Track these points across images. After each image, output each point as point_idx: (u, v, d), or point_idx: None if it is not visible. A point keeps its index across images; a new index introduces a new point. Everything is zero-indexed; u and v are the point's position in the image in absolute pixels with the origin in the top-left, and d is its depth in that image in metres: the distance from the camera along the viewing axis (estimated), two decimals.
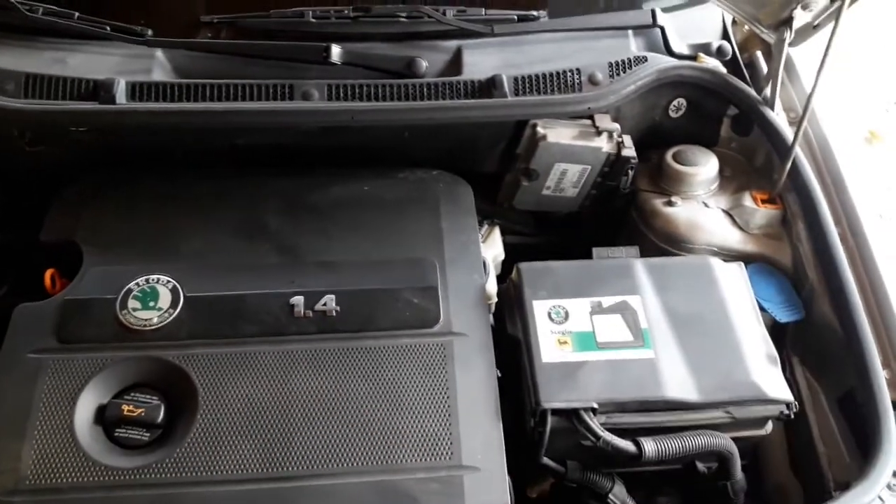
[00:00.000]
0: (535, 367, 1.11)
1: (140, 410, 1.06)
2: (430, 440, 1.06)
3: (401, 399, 1.09)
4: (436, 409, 1.08)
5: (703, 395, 1.11)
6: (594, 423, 1.08)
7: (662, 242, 1.41)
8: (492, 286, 1.31)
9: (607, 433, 1.08)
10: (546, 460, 1.13)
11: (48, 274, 1.22)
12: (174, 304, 1.15)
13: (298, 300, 1.15)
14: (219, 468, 1.02)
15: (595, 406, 1.08)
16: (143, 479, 1.01)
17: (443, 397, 1.09)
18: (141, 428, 1.06)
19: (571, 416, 1.08)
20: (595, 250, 1.27)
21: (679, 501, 1.30)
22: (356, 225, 1.27)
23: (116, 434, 1.06)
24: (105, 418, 1.06)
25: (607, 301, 1.18)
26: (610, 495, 1.16)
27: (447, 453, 1.05)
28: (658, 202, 1.44)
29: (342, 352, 1.12)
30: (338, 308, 1.15)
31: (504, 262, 1.45)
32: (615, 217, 1.52)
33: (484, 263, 1.28)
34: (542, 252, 1.44)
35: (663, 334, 1.16)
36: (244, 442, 1.04)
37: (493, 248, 1.45)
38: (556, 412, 1.08)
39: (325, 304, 1.15)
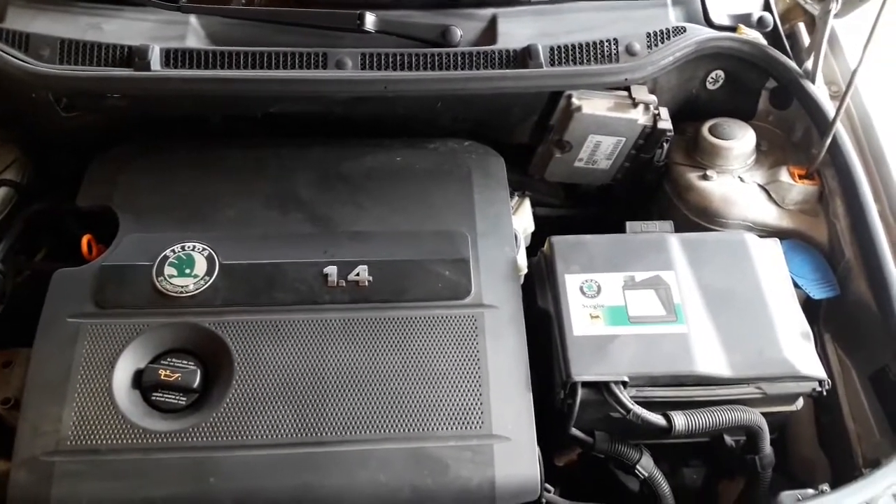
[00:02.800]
0: (567, 340, 1.11)
1: (177, 375, 1.08)
2: (461, 409, 1.07)
3: (432, 369, 1.10)
4: (467, 380, 1.09)
5: (735, 371, 1.10)
6: (625, 396, 1.08)
7: (696, 217, 1.39)
8: (522, 259, 1.30)
9: (637, 406, 1.08)
10: (575, 431, 1.14)
11: (85, 239, 1.24)
12: (210, 271, 1.16)
13: (332, 270, 1.16)
14: (254, 433, 1.04)
15: (626, 379, 1.08)
16: (179, 442, 1.03)
17: (474, 368, 1.10)
18: (177, 392, 1.08)
19: (602, 388, 1.09)
20: (629, 224, 1.26)
21: (705, 473, 1.30)
22: (388, 195, 1.27)
23: (153, 398, 1.08)
24: (142, 382, 1.08)
25: (640, 276, 1.17)
26: (637, 466, 1.17)
27: (478, 422, 1.06)
28: (693, 176, 1.42)
29: (374, 321, 1.13)
30: (370, 278, 1.16)
31: (533, 235, 1.44)
32: (648, 190, 1.51)
33: (515, 236, 1.28)
34: (573, 225, 1.44)
35: (696, 310, 1.15)
36: (279, 407, 1.06)
37: (523, 220, 1.45)
38: (586, 385, 1.09)
39: (357, 275, 1.16)
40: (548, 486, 1.13)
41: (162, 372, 1.08)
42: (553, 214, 1.57)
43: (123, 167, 1.31)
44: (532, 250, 1.33)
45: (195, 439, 1.04)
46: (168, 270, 1.16)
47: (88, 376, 1.07)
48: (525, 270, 1.29)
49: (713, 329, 1.13)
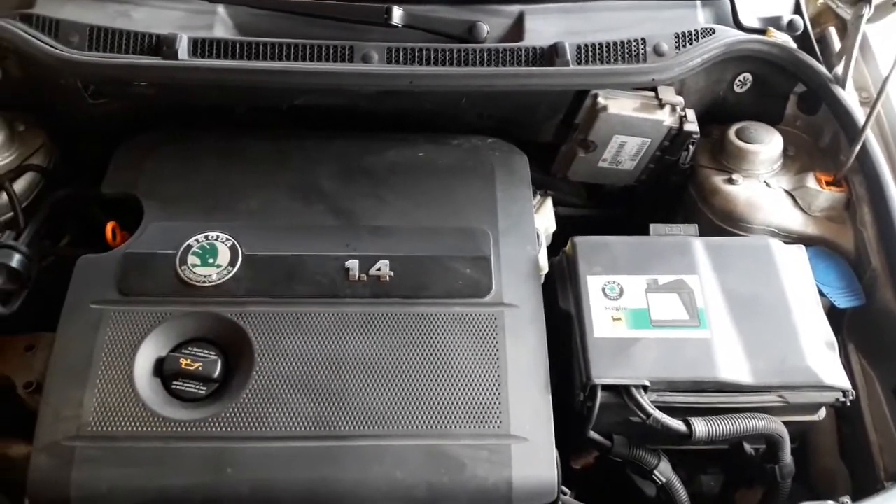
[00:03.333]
0: (588, 342, 1.10)
1: (197, 365, 1.09)
2: (479, 408, 1.07)
3: (451, 366, 1.09)
4: (486, 379, 1.09)
5: (758, 379, 1.09)
6: (645, 400, 1.07)
7: (720, 221, 1.38)
8: (543, 258, 1.30)
9: (658, 411, 1.07)
10: (593, 434, 1.14)
11: (109, 226, 1.24)
12: (233, 261, 1.16)
13: (353, 264, 1.16)
14: (272, 424, 1.05)
15: (647, 384, 1.08)
16: (198, 431, 1.04)
17: (493, 367, 1.09)
18: (198, 382, 1.08)
19: (622, 392, 1.08)
20: (653, 226, 1.25)
21: (723, 481, 1.29)
22: (410, 191, 1.27)
23: (174, 387, 1.08)
24: (164, 371, 1.09)
25: (664, 279, 1.16)
26: (655, 471, 1.16)
27: (496, 422, 1.06)
28: (718, 179, 1.40)
29: (395, 317, 1.13)
30: (391, 274, 1.16)
31: (555, 234, 1.44)
32: (671, 193, 1.50)
33: (537, 235, 1.27)
34: (595, 225, 1.43)
35: (720, 315, 1.14)
36: (298, 400, 1.06)
37: (545, 219, 1.44)
38: (606, 388, 1.08)
39: (379, 269, 1.16)
40: (564, 488, 1.13)
41: (183, 361, 1.09)
42: (575, 214, 1.56)
43: (149, 155, 1.31)
44: (553, 250, 1.33)
45: (214, 429, 1.04)
46: (191, 259, 1.16)
47: (110, 363, 1.08)
48: (546, 270, 1.28)
49: (736, 335, 1.12)
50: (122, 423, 1.04)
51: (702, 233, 1.28)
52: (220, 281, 1.15)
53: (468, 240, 1.21)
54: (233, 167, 1.30)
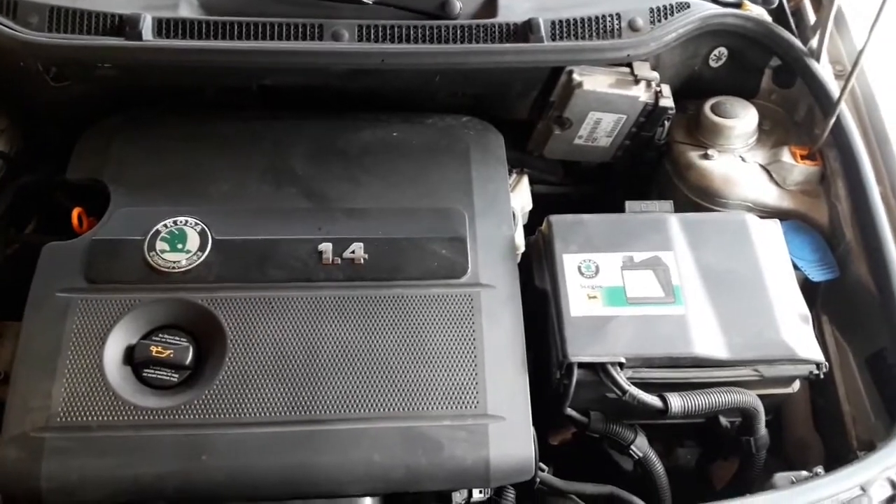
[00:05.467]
0: (564, 320, 1.10)
1: (169, 352, 1.07)
2: (456, 389, 1.06)
3: (428, 348, 1.08)
4: (462, 359, 1.08)
5: (733, 353, 1.09)
6: (621, 377, 1.07)
7: (696, 196, 1.38)
8: (520, 237, 1.29)
9: (634, 388, 1.07)
10: (570, 411, 1.14)
11: (75, 213, 1.22)
12: (202, 246, 1.14)
13: (327, 247, 1.14)
14: (247, 410, 1.03)
15: (622, 361, 1.08)
16: (171, 419, 1.02)
17: (469, 348, 1.09)
18: (169, 369, 1.06)
19: (598, 369, 1.08)
20: (628, 204, 1.24)
21: (699, 453, 1.30)
22: (384, 172, 1.25)
23: (145, 374, 1.06)
24: (134, 359, 1.07)
25: (639, 256, 1.16)
26: (632, 446, 1.16)
27: (473, 402, 1.06)
28: (693, 155, 1.40)
29: (370, 300, 1.11)
30: (366, 256, 1.14)
31: (531, 213, 1.43)
32: (648, 169, 1.49)
33: (513, 214, 1.26)
34: (571, 203, 1.42)
35: (695, 291, 1.14)
36: (272, 385, 1.05)
37: (521, 198, 1.43)
38: (582, 366, 1.08)
39: (353, 252, 1.14)
40: (542, 465, 1.13)
41: (153, 348, 1.07)
42: (552, 192, 1.55)
43: (115, 139, 1.28)
44: (530, 229, 1.32)
45: (187, 416, 1.03)
46: (160, 245, 1.14)
47: (79, 352, 1.06)
48: (522, 249, 1.27)
49: (711, 311, 1.12)
50: (93, 413, 1.02)
51: (678, 208, 1.28)
52: (190, 266, 1.13)
53: (443, 221, 1.19)
54: (202, 150, 1.27)
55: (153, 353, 1.07)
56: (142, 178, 1.23)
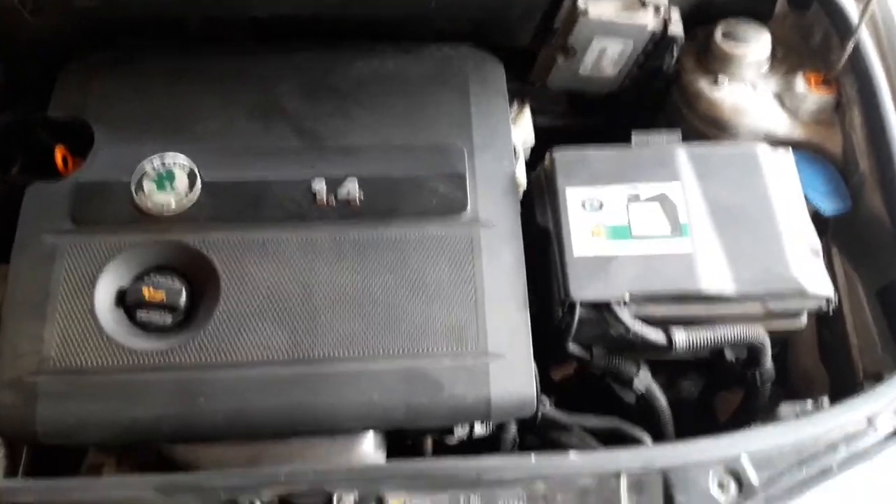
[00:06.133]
0: (566, 258, 1.07)
1: (161, 293, 1.04)
2: (456, 328, 1.04)
3: (427, 288, 1.06)
4: (462, 298, 1.05)
5: (740, 288, 1.06)
6: (625, 315, 1.05)
7: (705, 127, 1.32)
8: (521, 173, 1.25)
9: (638, 324, 1.05)
10: (572, 348, 1.12)
11: (59, 152, 1.17)
12: (191, 187, 1.10)
13: (320, 186, 1.10)
14: (243, 352, 1.02)
15: (627, 299, 1.05)
16: (166, 362, 1.01)
17: (469, 287, 1.06)
18: (163, 311, 1.04)
19: (602, 307, 1.05)
20: (634, 135, 1.19)
21: (702, 385, 1.29)
22: (379, 106, 1.19)
23: (139, 317, 1.04)
24: (126, 301, 1.04)
25: (645, 190, 1.12)
26: (635, 381, 1.15)
27: (473, 341, 1.03)
28: (703, 83, 1.34)
29: (366, 240, 1.08)
30: (361, 195, 1.10)
31: (534, 147, 1.38)
32: (655, 99, 1.43)
33: (514, 149, 1.21)
34: (575, 135, 1.37)
35: (703, 225, 1.10)
36: (268, 326, 1.03)
37: (522, 131, 1.38)
38: (585, 304, 1.05)
39: (347, 192, 1.10)
40: (545, 398, 1.12)
41: (146, 290, 1.04)
42: (554, 125, 1.49)
43: (97, 75, 1.23)
44: (532, 163, 1.27)
45: (182, 359, 1.01)
46: (147, 186, 1.10)
47: (69, 295, 1.03)
48: (524, 186, 1.23)
49: (719, 245, 1.09)
50: (86, 357, 1.00)
51: (686, 140, 1.22)
52: (180, 208, 1.09)
53: (441, 156, 1.15)
54: (188, 86, 1.21)
55: (146, 296, 1.04)
56: (126, 116, 1.18)
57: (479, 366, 1.02)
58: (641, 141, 1.19)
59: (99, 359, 1.00)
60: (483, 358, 1.03)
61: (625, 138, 1.20)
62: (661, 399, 1.16)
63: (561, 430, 1.15)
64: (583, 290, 1.05)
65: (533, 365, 1.04)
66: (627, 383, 1.14)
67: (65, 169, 1.17)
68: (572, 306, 1.05)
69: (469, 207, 1.11)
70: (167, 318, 1.04)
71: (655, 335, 1.05)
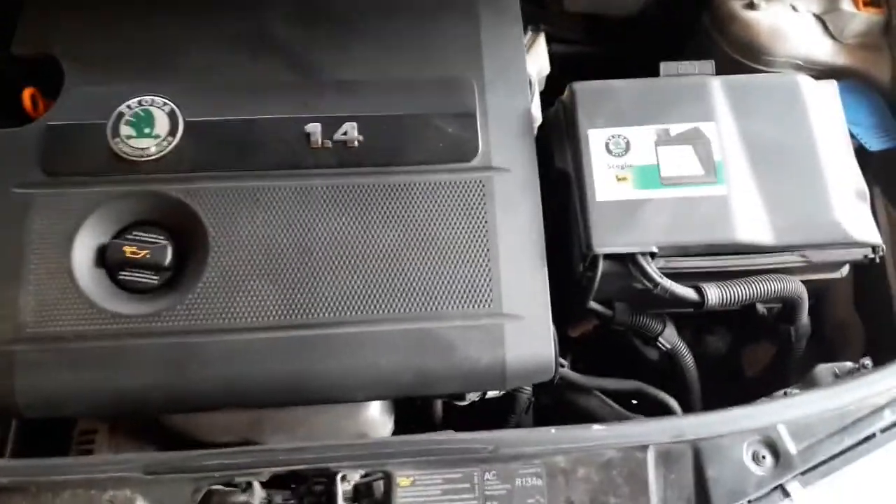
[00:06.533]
0: (588, 206, 0.97)
1: (145, 252, 0.95)
2: (467, 286, 0.95)
3: (435, 242, 0.96)
4: (474, 253, 0.96)
5: (779, 238, 0.97)
6: (652, 268, 0.96)
7: (738, 54, 1.20)
8: (536, 108, 1.14)
9: (666, 280, 0.96)
10: (593, 304, 1.03)
11: (27, 93, 1.06)
12: (173, 130, 1.00)
13: (315, 128, 0.99)
14: (237, 315, 0.93)
15: (654, 250, 0.95)
16: (153, 326, 0.92)
17: (481, 240, 0.97)
18: (147, 270, 0.95)
19: (627, 260, 0.96)
20: (663, 65, 1.07)
21: (729, 340, 1.22)
22: (379, 35, 1.07)
23: (121, 278, 0.95)
24: (107, 261, 0.95)
25: (676, 128, 1.01)
26: (660, 338, 1.07)
27: (487, 300, 0.95)
28: (736, 4, 1.21)
29: (367, 188, 0.98)
30: (360, 137, 0.99)
31: (549, 78, 1.26)
32: (683, 22, 1.29)
33: (529, 82, 1.09)
34: (593, 64, 1.25)
35: (739, 167, 0.99)
36: (263, 286, 0.94)
37: (537, 61, 1.26)
38: (609, 257, 0.96)
39: (345, 133, 0.99)
40: (561, 360, 1.04)
41: (127, 248, 0.95)
42: (572, 53, 1.36)
43: (65, 6, 1.09)
44: (547, 98, 1.16)
45: (171, 323, 0.93)
46: (124, 130, 0.99)
47: (44, 255, 0.94)
48: (539, 121, 1.12)
49: (757, 190, 0.98)
50: (66, 322, 0.92)
51: (718, 69, 1.10)
52: (161, 154, 0.98)
53: (449, 92, 1.03)
54: (166, 16, 1.08)
55: (128, 254, 0.95)
56: (98, 52, 1.05)
57: (494, 327, 0.94)
58: (671, 71, 1.07)
59: (79, 324, 0.92)
60: (498, 318, 0.94)
61: (649, 70, 1.08)
62: (688, 357, 1.09)
63: (579, 392, 1.08)
64: (606, 241, 0.95)
65: (552, 326, 0.96)
66: (652, 340, 1.07)
67: (35, 112, 1.06)
68: (594, 260, 0.96)
69: (480, 151, 1.00)
70: (153, 278, 0.96)
71: (685, 291, 0.96)
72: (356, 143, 0.99)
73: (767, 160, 1.00)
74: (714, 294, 0.97)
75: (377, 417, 0.99)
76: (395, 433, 1.04)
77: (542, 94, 1.22)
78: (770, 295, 0.99)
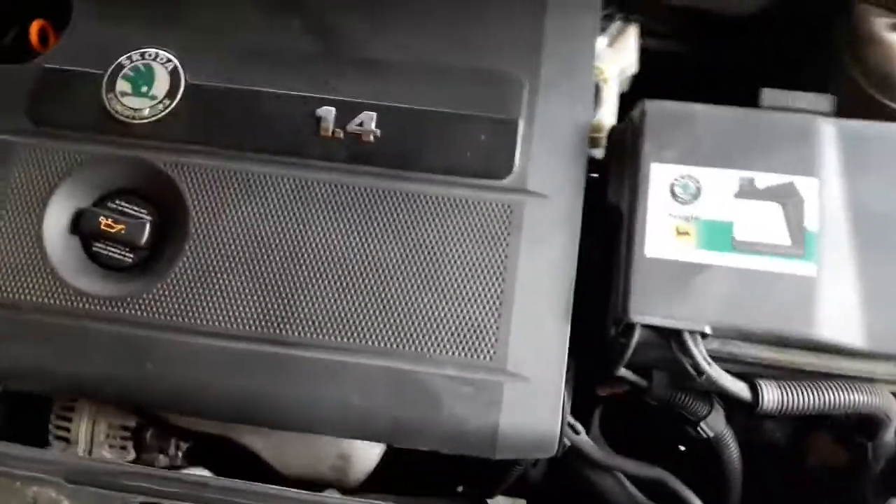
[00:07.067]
0: (634, 261, 0.78)
1: (121, 226, 0.85)
2: (469, 331, 0.80)
3: (440, 270, 0.81)
4: (484, 292, 0.80)
5: (875, 342, 0.76)
6: (699, 351, 0.77)
7: (872, 88, 0.95)
8: (610, 113, 0.95)
9: (715, 368, 0.77)
10: (624, 372, 0.86)
11: (36, 25, 0.97)
12: (172, 92, 0.88)
13: (328, 112, 0.85)
14: (204, 315, 0.82)
15: (707, 331, 0.76)
16: (115, 312, 0.83)
17: (496, 278, 0.81)
18: (123, 247, 0.85)
19: (670, 337, 0.78)
20: (765, 93, 0.85)
21: (791, 431, 1.01)
22: (420, 9, 0.90)
23: (95, 249, 0.86)
24: (80, 229, 0.86)
25: (765, 179, 0.80)
26: (702, 423, 0.88)
27: (489, 351, 0.79)
28: (880, 23, 0.96)
29: (374, 193, 0.83)
30: (377, 131, 0.84)
31: (636, 78, 1.06)
32: (808, 32, 1.05)
33: (597, 89, 0.90)
34: (688, 67, 1.04)
35: (838, 242, 0.78)
36: (239, 288, 0.82)
37: (622, 56, 1.06)
38: (648, 326, 0.78)
39: (361, 124, 0.84)
40: (577, 425, 0.88)
41: (104, 219, 0.85)
42: (666, 50, 1.15)
43: None
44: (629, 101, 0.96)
45: (134, 311, 0.83)
46: (121, 85, 0.88)
47: (16, 212, 0.85)
48: (606, 130, 0.93)
49: (855, 275, 0.77)
50: (26, 291, 0.84)
51: (842, 103, 0.87)
52: (154, 117, 0.87)
53: (491, 89, 0.86)
54: None
55: (102, 226, 0.85)
56: None
57: (492, 385, 0.79)
58: (775, 101, 0.85)
59: (39, 296, 0.83)
60: (498, 375, 0.79)
61: (752, 94, 0.86)
62: (733, 450, 0.89)
63: (596, 469, 0.91)
64: (647, 308, 0.77)
65: (563, 394, 0.79)
66: (692, 424, 0.88)
67: (42, 47, 0.97)
68: (629, 329, 0.78)
69: (516, 168, 0.83)
70: (127, 256, 0.85)
71: (736, 387, 0.77)
72: (372, 137, 0.84)
73: (878, 239, 0.78)
74: (772, 396, 0.77)
75: None
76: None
77: (624, 92, 1.03)
78: (847, 407, 0.78)
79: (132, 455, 0.92)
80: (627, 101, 1.02)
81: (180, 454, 0.95)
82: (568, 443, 0.88)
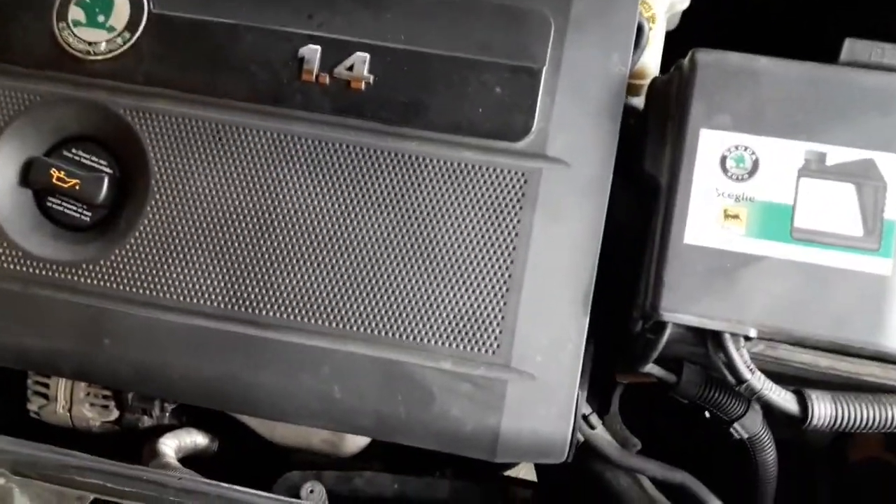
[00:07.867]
0: (670, 247, 0.65)
1: (75, 181, 0.74)
2: (469, 319, 0.69)
3: (439, 245, 0.69)
4: (489, 274, 0.69)
5: None
6: (741, 357, 0.65)
7: None
8: (654, 59, 0.81)
9: (759, 376, 0.66)
10: (651, 367, 0.74)
11: None
12: (133, 23, 0.74)
13: (312, 52, 0.71)
14: (167, 287, 0.72)
15: (752, 335, 0.64)
16: (68, 279, 0.73)
17: (504, 258, 0.69)
18: (79, 204, 0.75)
19: (707, 337, 0.65)
20: (848, 45, 0.69)
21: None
22: None
23: (49, 205, 0.76)
24: (30, 182, 0.75)
25: (838, 153, 0.65)
26: (736, 424, 0.77)
27: (491, 344, 0.68)
28: None
29: (365, 151, 0.71)
30: (370, 77, 0.71)
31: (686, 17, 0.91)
32: None
33: (640, 29, 0.75)
34: (752, 5, 0.88)
35: None
36: (207, 257, 0.72)
37: None
38: (681, 325, 0.66)
39: (350, 68, 0.71)
40: (592, 419, 0.78)
41: (55, 172, 0.74)
42: None
43: None
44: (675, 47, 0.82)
45: (89, 280, 0.73)
46: (73, 13, 0.75)
47: None
48: (650, 79, 0.78)
49: None
50: None
51: None
52: (112, 53, 0.74)
53: (511, 30, 0.71)
54: None
55: (53, 179, 0.74)
56: None
57: (493, 382, 0.68)
58: (859, 55, 0.69)
59: None
60: (501, 371, 0.68)
61: (832, 47, 0.70)
62: (769, 452, 0.79)
63: (614, 468, 0.82)
64: (681, 305, 0.65)
65: (576, 396, 0.68)
66: (725, 424, 0.77)
67: None
68: (660, 326, 0.66)
69: (535, 129, 0.69)
70: (85, 214, 0.75)
71: (783, 399, 0.66)
72: (363, 84, 0.71)
73: None
74: (824, 411, 0.66)
75: None
76: None
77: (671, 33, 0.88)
78: None
79: (115, 414, 0.85)
80: (674, 42, 0.87)
81: (167, 414, 0.87)
82: (581, 438, 0.78)
